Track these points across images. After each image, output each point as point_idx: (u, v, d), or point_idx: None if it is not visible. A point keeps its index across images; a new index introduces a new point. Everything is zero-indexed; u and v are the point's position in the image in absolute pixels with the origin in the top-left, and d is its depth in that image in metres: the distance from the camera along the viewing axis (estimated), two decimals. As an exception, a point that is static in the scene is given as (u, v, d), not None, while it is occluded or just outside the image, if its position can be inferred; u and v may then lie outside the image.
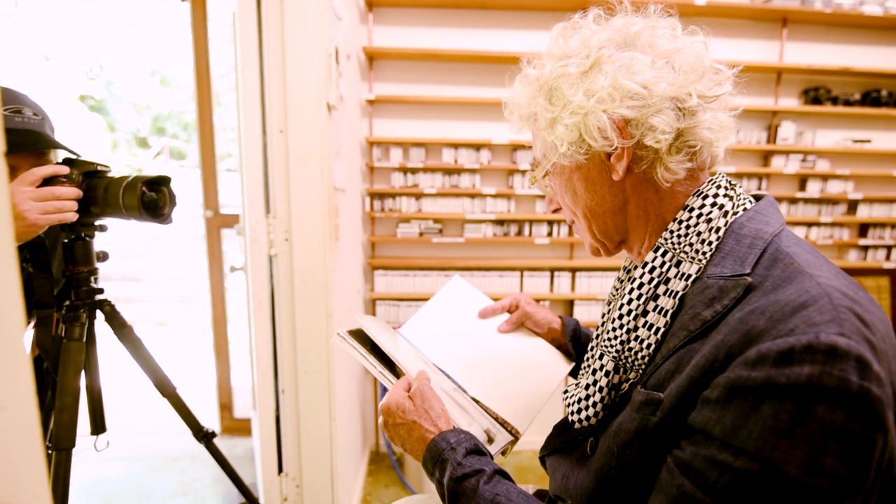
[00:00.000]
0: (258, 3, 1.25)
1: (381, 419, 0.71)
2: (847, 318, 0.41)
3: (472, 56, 2.06)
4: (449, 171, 2.18)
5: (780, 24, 2.18)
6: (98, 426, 1.03)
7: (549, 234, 2.23)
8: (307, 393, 1.39)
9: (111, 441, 1.05)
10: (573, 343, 0.84)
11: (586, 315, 2.25)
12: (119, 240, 5.66)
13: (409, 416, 0.66)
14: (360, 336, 0.77)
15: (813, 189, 2.29)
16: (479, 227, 2.22)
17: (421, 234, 2.21)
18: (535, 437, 0.73)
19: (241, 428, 2.44)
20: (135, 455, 2.20)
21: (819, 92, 2.22)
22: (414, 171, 2.17)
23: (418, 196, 2.19)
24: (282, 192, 1.31)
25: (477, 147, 2.16)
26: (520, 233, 2.26)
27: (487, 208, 2.21)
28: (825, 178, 2.29)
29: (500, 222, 2.24)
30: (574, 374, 0.85)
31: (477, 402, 0.78)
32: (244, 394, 2.47)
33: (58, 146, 0.94)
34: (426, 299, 0.98)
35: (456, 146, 2.16)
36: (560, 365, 0.83)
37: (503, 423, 0.76)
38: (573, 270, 2.25)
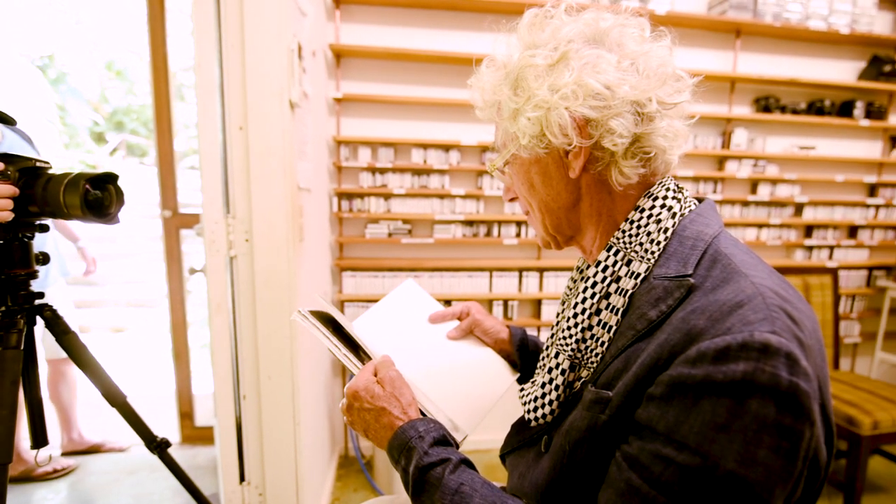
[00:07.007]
0: (217, -4, 1.20)
1: (343, 402, 0.68)
2: (778, 316, 0.43)
3: (441, 57, 2.06)
4: (418, 172, 2.17)
5: (734, 35, 2.28)
6: (39, 439, 0.97)
7: (518, 234, 2.26)
8: (270, 398, 1.35)
9: (54, 455, 0.98)
10: (520, 352, 0.84)
11: (554, 314, 2.28)
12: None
13: (378, 402, 0.64)
14: (322, 318, 0.75)
15: (763, 192, 2.41)
16: (448, 228, 2.22)
17: (390, 235, 2.19)
18: (500, 436, 0.73)
19: (203, 437, 2.34)
20: (86, 468, 2.08)
21: (769, 101, 2.34)
22: (383, 171, 2.15)
23: (387, 196, 2.17)
24: (242, 192, 1.27)
25: (446, 148, 2.16)
26: (489, 233, 2.27)
27: (457, 209, 2.21)
28: (774, 182, 2.42)
29: (470, 223, 2.25)
30: (520, 383, 0.86)
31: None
32: (206, 401, 2.38)
33: None
34: (394, 301, 0.97)
35: (425, 147, 2.16)
36: (505, 375, 0.84)
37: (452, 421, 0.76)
38: (541, 270, 2.28)
